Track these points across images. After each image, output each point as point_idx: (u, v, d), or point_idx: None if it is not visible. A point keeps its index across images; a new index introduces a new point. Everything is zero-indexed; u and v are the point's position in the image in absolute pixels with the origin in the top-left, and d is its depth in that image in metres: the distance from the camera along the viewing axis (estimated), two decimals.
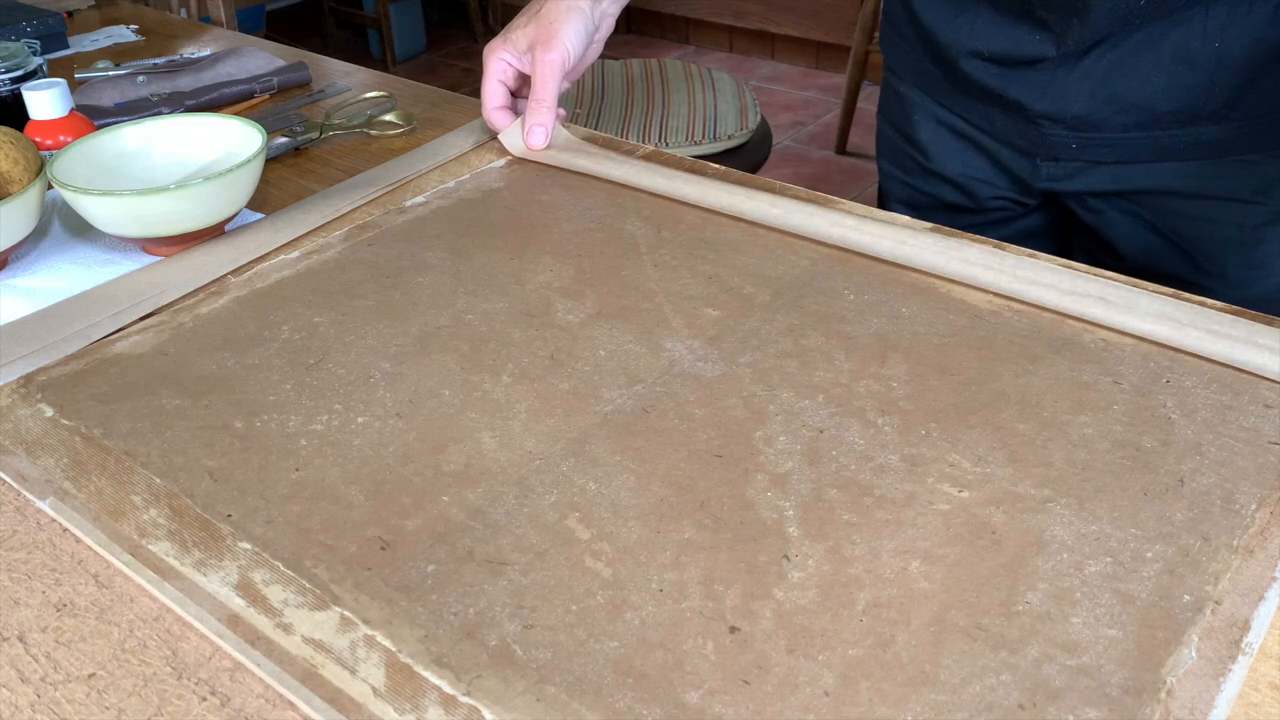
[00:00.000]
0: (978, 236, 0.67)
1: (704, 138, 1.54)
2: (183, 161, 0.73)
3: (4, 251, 0.66)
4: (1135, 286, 0.60)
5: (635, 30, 3.70)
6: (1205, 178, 0.73)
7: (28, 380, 0.56)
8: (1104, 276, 0.61)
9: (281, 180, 0.80)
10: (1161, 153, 0.73)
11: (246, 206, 0.72)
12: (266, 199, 0.77)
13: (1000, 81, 0.76)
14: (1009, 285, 0.61)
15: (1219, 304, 0.58)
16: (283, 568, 0.44)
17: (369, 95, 0.93)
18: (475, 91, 0.82)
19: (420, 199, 0.75)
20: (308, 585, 0.43)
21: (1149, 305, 0.58)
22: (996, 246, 0.65)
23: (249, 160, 0.67)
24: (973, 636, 0.40)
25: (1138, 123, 0.71)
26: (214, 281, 0.65)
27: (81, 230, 0.73)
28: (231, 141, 0.73)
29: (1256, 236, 0.74)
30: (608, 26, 0.79)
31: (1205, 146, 0.71)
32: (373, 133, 0.87)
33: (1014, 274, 0.61)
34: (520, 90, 0.82)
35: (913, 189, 0.91)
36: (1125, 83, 0.70)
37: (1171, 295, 0.59)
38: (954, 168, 0.85)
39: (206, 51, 1.06)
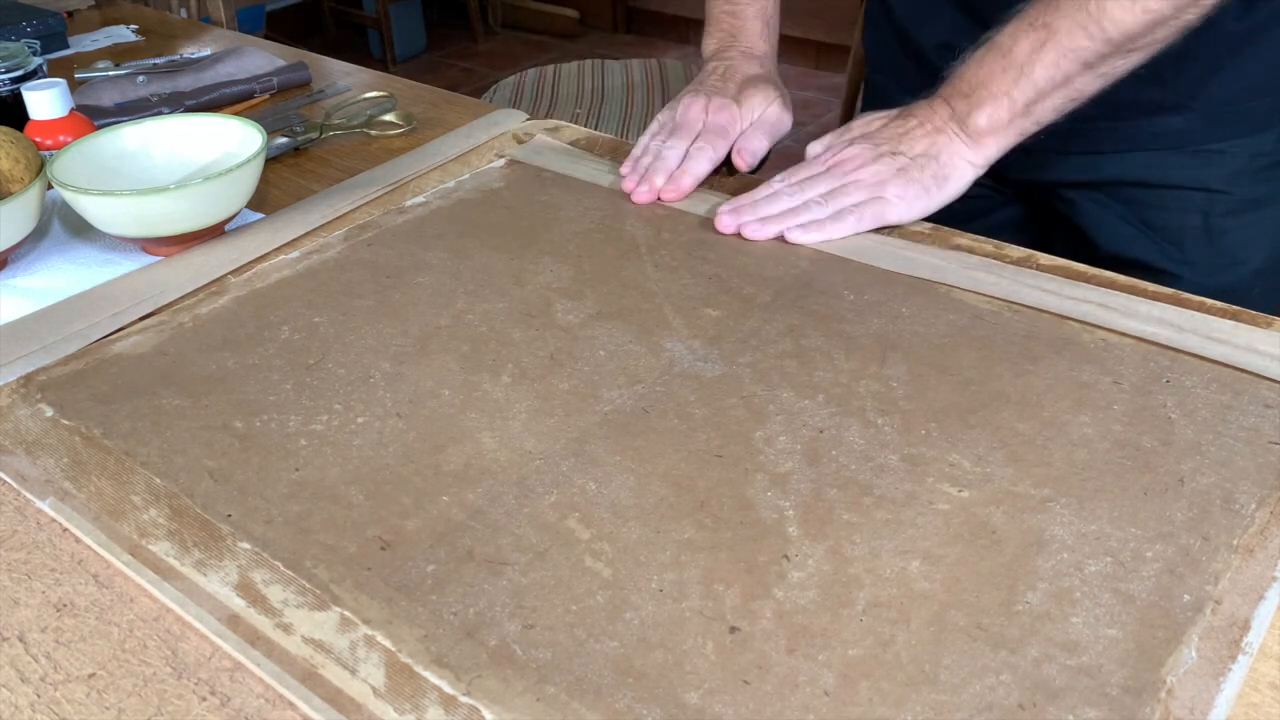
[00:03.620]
0: (977, 237, 0.67)
1: None
2: (183, 161, 0.73)
3: (4, 251, 0.66)
4: (1135, 293, 0.60)
5: (635, 30, 3.70)
6: (1171, 168, 0.75)
7: (28, 380, 0.56)
8: (1103, 284, 0.61)
9: (281, 180, 0.80)
10: (1127, 142, 0.75)
11: (246, 206, 0.72)
12: (266, 199, 0.77)
13: None
14: (1009, 289, 0.61)
15: (1219, 305, 0.58)
16: (283, 568, 0.44)
17: (369, 95, 0.93)
18: (475, 91, 0.82)
19: (420, 199, 0.75)
20: (308, 585, 0.43)
21: (1149, 311, 0.58)
22: (996, 249, 0.65)
23: (249, 160, 0.67)
24: (973, 636, 0.40)
25: (1102, 113, 0.72)
26: (214, 281, 0.65)
27: (81, 230, 0.73)
28: (231, 141, 0.73)
29: (1222, 226, 0.76)
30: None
31: (1168, 136, 0.72)
32: (373, 133, 0.87)
33: (1015, 279, 0.62)
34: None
35: None
36: None
37: (1170, 296, 0.59)
38: None
39: (206, 51, 1.06)
